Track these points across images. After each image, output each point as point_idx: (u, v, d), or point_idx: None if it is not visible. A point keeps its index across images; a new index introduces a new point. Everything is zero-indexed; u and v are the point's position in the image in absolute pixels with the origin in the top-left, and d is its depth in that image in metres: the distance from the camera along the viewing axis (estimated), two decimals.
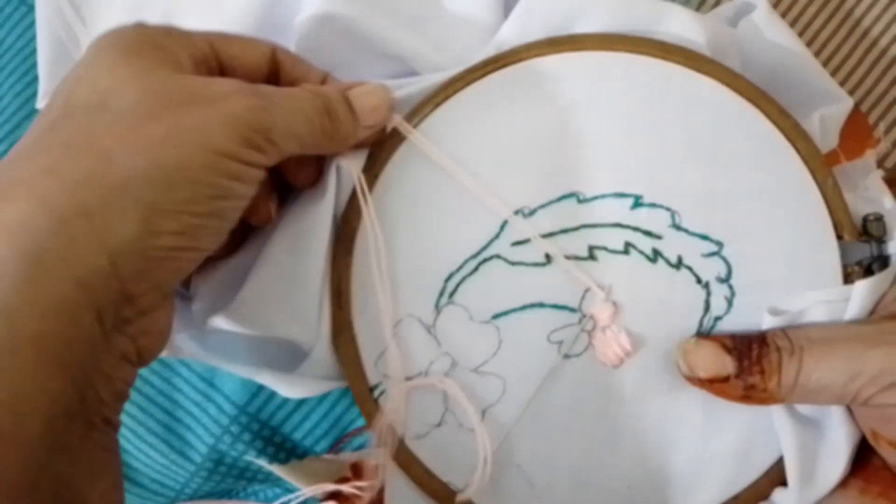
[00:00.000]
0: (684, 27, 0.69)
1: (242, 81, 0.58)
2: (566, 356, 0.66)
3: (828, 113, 0.71)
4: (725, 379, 0.61)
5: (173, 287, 0.60)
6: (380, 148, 0.70)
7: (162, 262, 0.54)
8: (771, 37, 0.71)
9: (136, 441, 0.81)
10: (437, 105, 0.70)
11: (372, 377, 0.69)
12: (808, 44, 0.84)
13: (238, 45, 0.65)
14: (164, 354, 0.68)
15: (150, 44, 0.59)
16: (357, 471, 0.82)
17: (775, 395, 0.60)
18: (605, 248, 0.65)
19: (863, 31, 0.84)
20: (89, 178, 0.51)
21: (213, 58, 0.63)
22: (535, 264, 0.66)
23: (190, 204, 0.54)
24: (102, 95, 0.55)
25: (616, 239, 0.66)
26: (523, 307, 0.66)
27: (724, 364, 0.61)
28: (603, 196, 0.66)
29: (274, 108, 0.58)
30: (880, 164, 0.81)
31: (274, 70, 0.67)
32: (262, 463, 0.80)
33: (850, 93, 0.82)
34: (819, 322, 0.63)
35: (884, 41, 0.84)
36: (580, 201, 0.66)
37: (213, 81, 0.57)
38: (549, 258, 0.66)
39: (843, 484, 0.63)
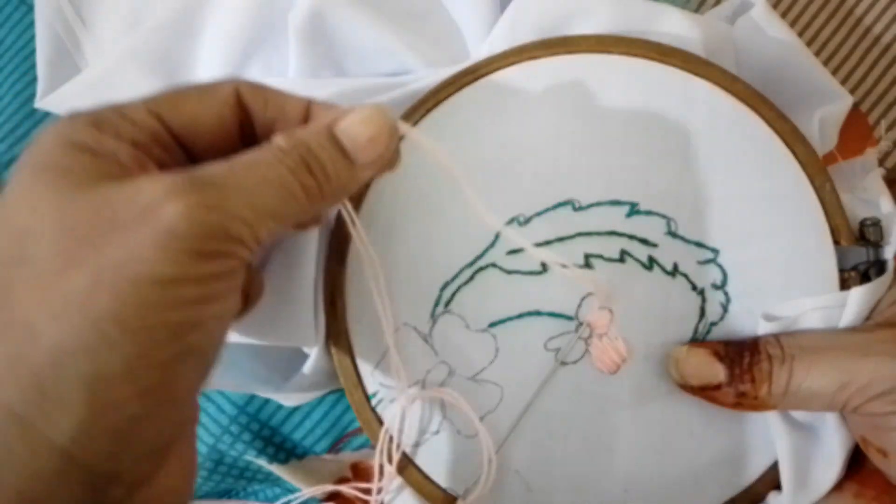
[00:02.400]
0: (680, 28, 0.69)
1: (176, 174, 0.45)
2: (563, 363, 0.66)
3: (827, 112, 0.71)
4: (717, 387, 0.61)
5: (169, 441, 0.49)
6: None
7: (134, 432, 0.45)
8: (769, 34, 0.71)
9: None
10: (428, 111, 0.69)
11: (369, 385, 0.69)
12: (809, 43, 0.84)
13: (192, 103, 0.52)
14: None
15: (74, 148, 0.46)
16: (357, 471, 0.82)
17: (766, 402, 0.60)
18: (600, 257, 0.65)
19: (863, 30, 0.84)
20: (13, 365, 0.42)
21: (163, 131, 0.51)
22: (531, 273, 0.66)
23: (145, 356, 0.43)
24: (20, 242, 0.44)
25: (612, 247, 0.65)
26: (520, 315, 0.66)
27: (716, 372, 0.61)
28: (599, 204, 0.66)
29: (226, 195, 0.46)
30: (880, 163, 0.81)
31: (243, 117, 0.54)
32: (262, 463, 0.80)
33: (851, 92, 0.82)
34: (814, 328, 0.63)
35: (884, 40, 0.83)
36: (576, 209, 0.65)
37: (141, 188, 0.44)
38: (545, 266, 0.66)
39: (838, 488, 0.63)
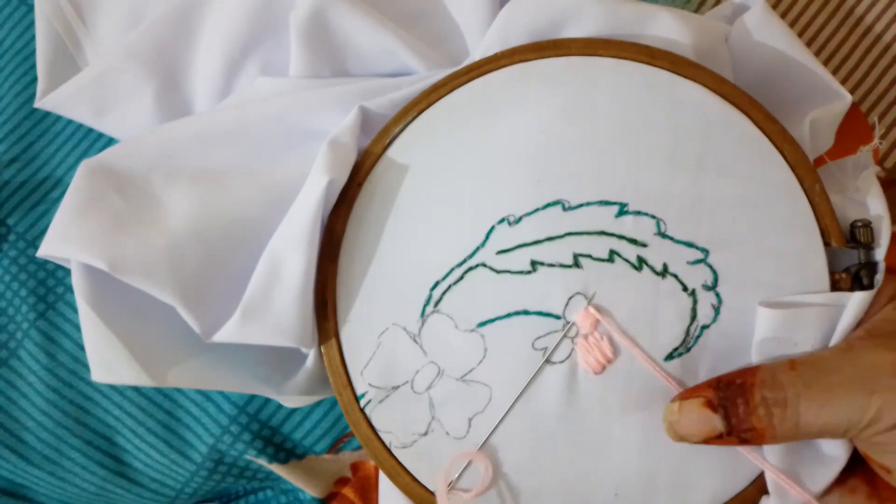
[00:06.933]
0: (671, 30, 0.69)
1: None
2: (550, 363, 0.65)
3: (826, 112, 0.71)
4: (719, 436, 0.61)
5: None
6: (363, 158, 0.70)
7: None
8: (768, 35, 0.72)
9: (136, 441, 0.82)
10: (421, 112, 0.70)
11: (358, 386, 0.69)
12: (808, 43, 0.84)
13: None
14: (151, 384, 0.68)
15: None
16: (357, 470, 0.82)
17: (774, 441, 0.60)
18: (589, 256, 0.65)
19: (864, 29, 0.83)
20: None
21: None
22: (521, 272, 0.66)
23: None
24: None
25: (601, 247, 0.65)
26: (508, 315, 0.66)
27: (713, 425, 0.60)
28: (588, 204, 0.65)
29: None
30: (880, 163, 0.80)
31: None
32: (262, 463, 0.81)
33: (851, 92, 0.81)
34: (811, 329, 0.62)
35: (885, 39, 0.83)
36: (565, 209, 0.65)
37: None
38: (534, 266, 0.66)
39: (851, 490, 0.63)
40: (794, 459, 0.63)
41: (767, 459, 0.63)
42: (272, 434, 0.81)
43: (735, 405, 0.60)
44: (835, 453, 0.62)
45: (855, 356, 0.60)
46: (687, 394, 0.63)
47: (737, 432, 0.60)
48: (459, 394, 0.67)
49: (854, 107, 0.73)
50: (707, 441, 0.61)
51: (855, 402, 0.57)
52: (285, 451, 0.82)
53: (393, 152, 0.70)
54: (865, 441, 0.59)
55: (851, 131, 0.75)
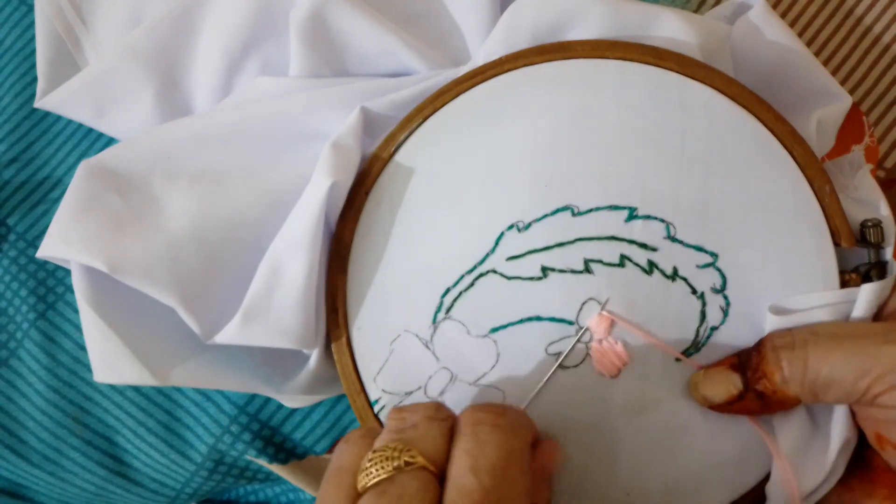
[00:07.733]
0: (676, 31, 0.69)
1: None
2: (564, 367, 0.66)
3: (827, 113, 0.71)
4: (739, 396, 0.61)
5: None
6: (369, 164, 0.70)
7: None
8: (768, 35, 0.72)
9: (136, 441, 0.82)
10: (426, 118, 0.70)
11: (372, 392, 0.69)
12: (808, 43, 0.84)
13: None
14: (155, 384, 0.68)
15: None
16: None
17: (787, 393, 0.60)
18: (600, 261, 0.65)
19: (863, 29, 0.84)
20: None
21: None
22: (531, 278, 0.66)
23: None
24: None
25: (611, 252, 0.65)
26: (520, 321, 0.66)
27: (733, 381, 0.61)
28: (598, 209, 0.66)
29: None
30: (880, 163, 0.80)
31: None
32: (262, 463, 0.80)
33: (851, 92, 0.81)
34: (823, 321, 0.63)
35: (884, 40, 0.83)
36: (574, 214, 0.66)
37: None
38: (544, 272, 0.66)
39: (849, 487, 0.63)
40: (802, 446, 0.63)
41: (778, 443, 0.63)
42: (272, 434, 0.81)
43: (750, 357, 0.61)
44: (840, 434, 0.62)
45: (871, 323, 0.61)
46: (714, 364, 0.64)
47: (752, 383, 0.60)
48: (472, 398, 0.67)
49: (851, 106, 0.73)
50: (729, 402, 0.62)
51: (866, 348, 0.57)
52: (285, 452, 0.81)
53: (399, 159, 0.70)
54: (877, 410, 0.58)
55: (850, 131, 0.75)
